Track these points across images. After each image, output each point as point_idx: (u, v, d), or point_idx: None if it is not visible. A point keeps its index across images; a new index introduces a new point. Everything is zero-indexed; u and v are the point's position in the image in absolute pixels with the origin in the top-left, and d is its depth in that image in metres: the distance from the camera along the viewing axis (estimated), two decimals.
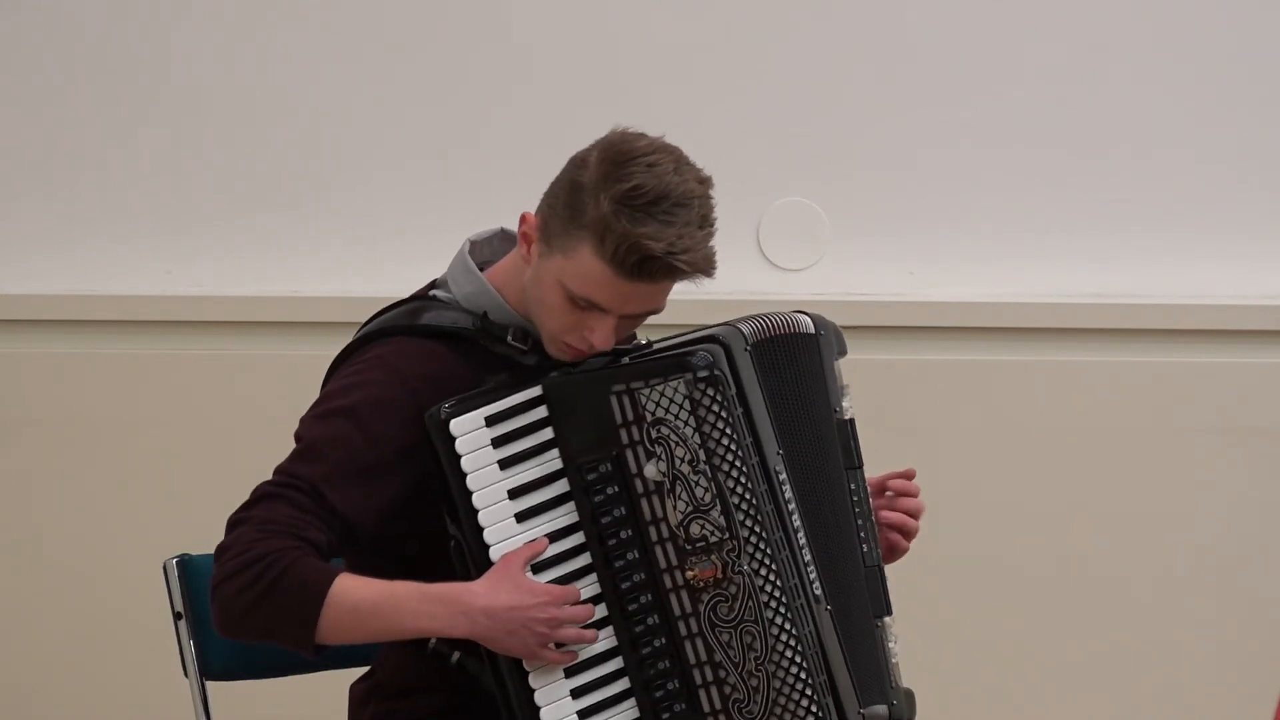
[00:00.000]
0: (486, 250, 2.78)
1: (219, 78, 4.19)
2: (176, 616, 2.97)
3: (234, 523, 2.58)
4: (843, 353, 2.81)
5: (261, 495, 2.59)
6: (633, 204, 2.55)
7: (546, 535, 2.60)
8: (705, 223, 2.61)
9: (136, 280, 4.20)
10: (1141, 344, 4.22)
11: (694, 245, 2.57)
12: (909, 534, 2.87)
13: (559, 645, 2.57)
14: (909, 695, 2.73)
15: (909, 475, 2.91)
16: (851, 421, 2.79)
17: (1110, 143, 4.23)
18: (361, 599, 2.55)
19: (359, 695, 2.80)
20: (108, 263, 4.21)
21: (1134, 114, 4.23)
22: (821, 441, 2.72)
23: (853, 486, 2.76)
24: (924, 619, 4.17)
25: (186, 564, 2.95)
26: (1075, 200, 4.24)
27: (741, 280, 4.18)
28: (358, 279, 4.02)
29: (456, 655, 2.65)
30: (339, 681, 2.85)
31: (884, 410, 4.11)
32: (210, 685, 2.99)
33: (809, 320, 2.76)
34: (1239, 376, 4.22)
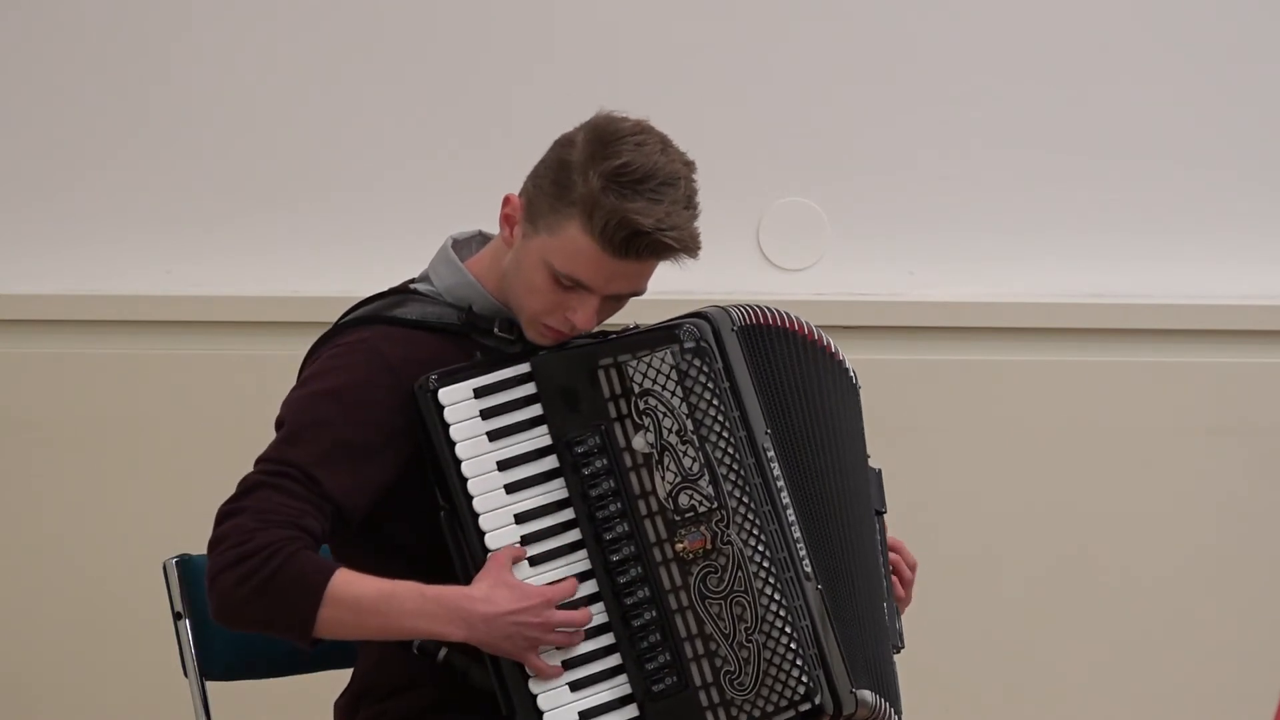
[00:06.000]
0: (466, 251, 2.79)
1: (219, 78, 4.19)
2: (176, 616, 2.97)
3: (226, 514, 2.57)
4: None
5: (253, 485, 2.59)
6: (621, 180, 2.57)
7: (536, 508, 2.61)
8: (690, 204, 2.63)
9: (136, 280, 4.20)
10: (1141, 344, 4.22)
11: (681, 223, 2.59)
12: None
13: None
14: None
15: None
16: (880, 472, 2.84)
17: (1110, 143, 4.23)
18: (361, 595, 2.55)
19: (344, 706, 2.79)
20: (108, 263, 4.21)
21: (1133, 114, 4.23)
22: (835, 447, 2.74)
23: (879, 527, 2.81)
24: (923, 618, 4.17)
25: (186, 564, 2.95)
26: (1075, 200, 4.24)
27: (741, 280, 4.18)
28: (357, 279, 4.01)
29: (443, 652, 2.65)
30: (338, 681, 2.85)
31: (883, 410, 4.10)
32: (210, 685, 2.99)
33: (851, 370, 2.82)
34: (1239, 376, 4.22)
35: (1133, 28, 4.22)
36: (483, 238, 2.82)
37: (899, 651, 2.80)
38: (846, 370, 2.82)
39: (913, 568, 2.90)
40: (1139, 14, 4.22)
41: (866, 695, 2.64)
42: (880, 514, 2.83)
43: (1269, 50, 4.24)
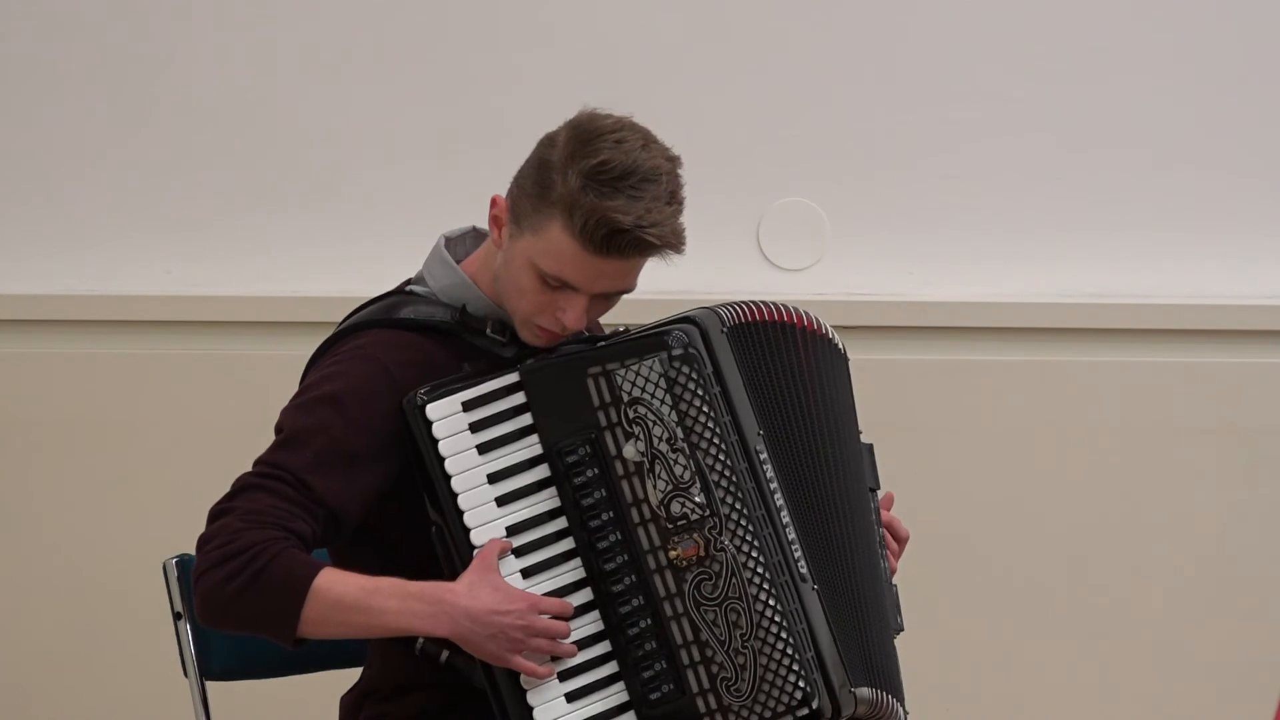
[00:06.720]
0: (460, 248, 2.78)
1: (219, 77, 4.19)
2: (176, 616, 2.97)
3: (216, 513, 2.57)
4: None
5: (244, 486, 2.58)
6: (600, 179, 2.56)
7: (527, 519, 2.60)
8: (673, 199, 2.61)
9: (136, 280, 4.21)
10: (1141, 344, 4.22)
11: (662, 219, 2.58)
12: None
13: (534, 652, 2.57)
14: None
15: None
16: (871, 446, 2.82)
17: (1110, 143, 4.23)
18: (344, 593, 2.54)
19: (350, 703, 2.79)
20: (108, 263, 4.21)
21: (1134, 114, 4.23)
22: (830, 438, 2.72)
23: (873, 505, 2.79)
24: (923, 619, 4.17)
25: (186, 564, 2.94)
26: (1075, 200, 4.25)
27: (741, 280, 4.19)
28: (358, 279, 4.02)
29: (445, 655, 2.64)
30: (338, 681, 2.86)
31: (884, 410, 4.10)
32: (210, 685, 2.99)
33: (840, 342, 2.79)
34: (1239, 376, 4.22)
35: (1133, 28, 4.22)
36: (476, 234, 2.81)
37: (899, 634, 2.78)
38: (832, 340, 2.78)
39: (902, 541, 2.87)
40: (1139, 14, 4.22)
41: (865, 693, 2.63)
42: (874, 491, 2.81)
43: (1269, 50, 4.24)
